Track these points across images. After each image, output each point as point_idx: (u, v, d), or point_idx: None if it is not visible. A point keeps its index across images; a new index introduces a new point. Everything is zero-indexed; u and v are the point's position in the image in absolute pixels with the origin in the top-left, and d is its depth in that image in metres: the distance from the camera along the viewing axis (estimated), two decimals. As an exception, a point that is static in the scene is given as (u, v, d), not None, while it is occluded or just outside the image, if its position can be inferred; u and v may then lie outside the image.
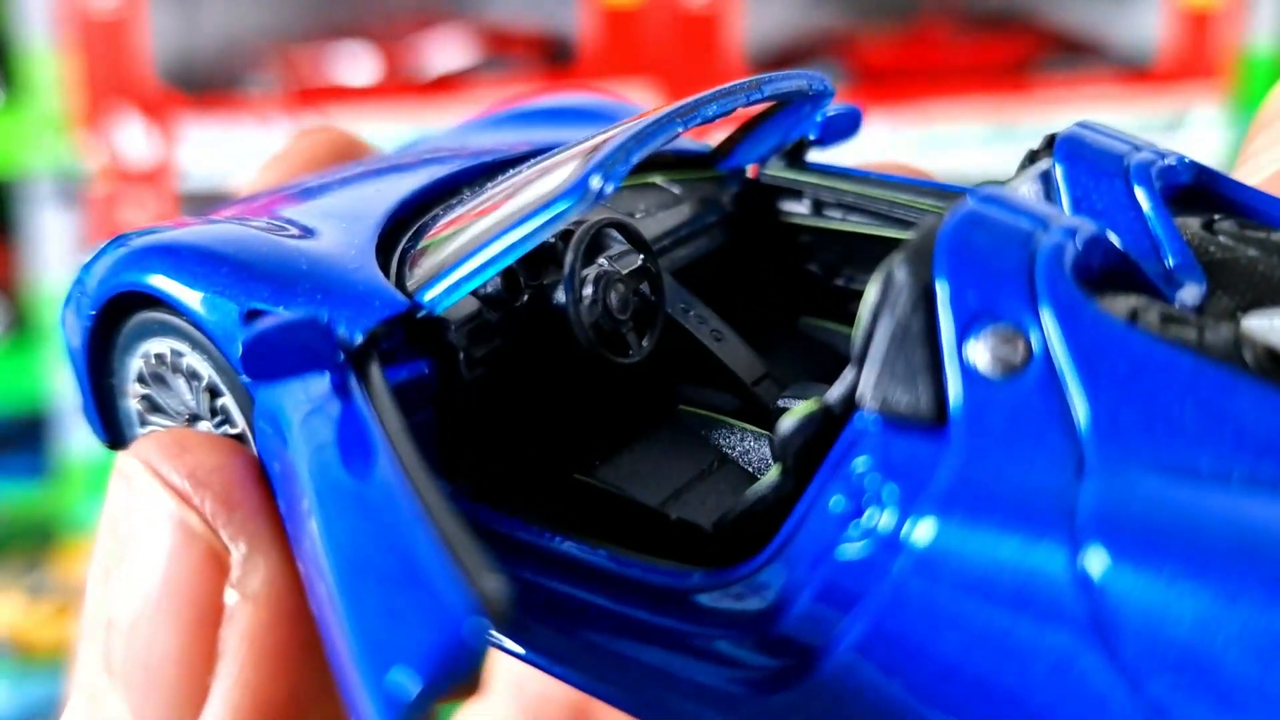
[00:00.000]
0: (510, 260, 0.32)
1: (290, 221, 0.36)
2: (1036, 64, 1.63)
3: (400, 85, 1.58)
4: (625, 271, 0.38)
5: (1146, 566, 0.21)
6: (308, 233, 0.35)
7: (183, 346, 0.33)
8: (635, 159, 0.31)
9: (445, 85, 1.57)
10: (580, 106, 0.46)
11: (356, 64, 1.61)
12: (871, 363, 0.25)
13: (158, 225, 0.35)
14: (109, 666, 0.24)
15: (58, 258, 1.56)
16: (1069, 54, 1.65)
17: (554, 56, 1.63)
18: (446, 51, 1.60)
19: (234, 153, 1.53)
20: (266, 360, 0.28)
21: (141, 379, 0.34)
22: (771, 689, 0.27)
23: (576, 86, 1.51)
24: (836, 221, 0.43)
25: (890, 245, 0.34)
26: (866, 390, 0.25)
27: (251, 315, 0.30)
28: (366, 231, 0.36)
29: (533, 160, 0.37)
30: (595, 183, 0.30)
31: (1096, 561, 0.21)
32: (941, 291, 0.24)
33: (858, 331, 0.26)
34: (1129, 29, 1.72)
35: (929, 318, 0.24)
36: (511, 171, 0.38)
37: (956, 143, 1.56)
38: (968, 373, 0.23)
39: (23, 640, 1.49)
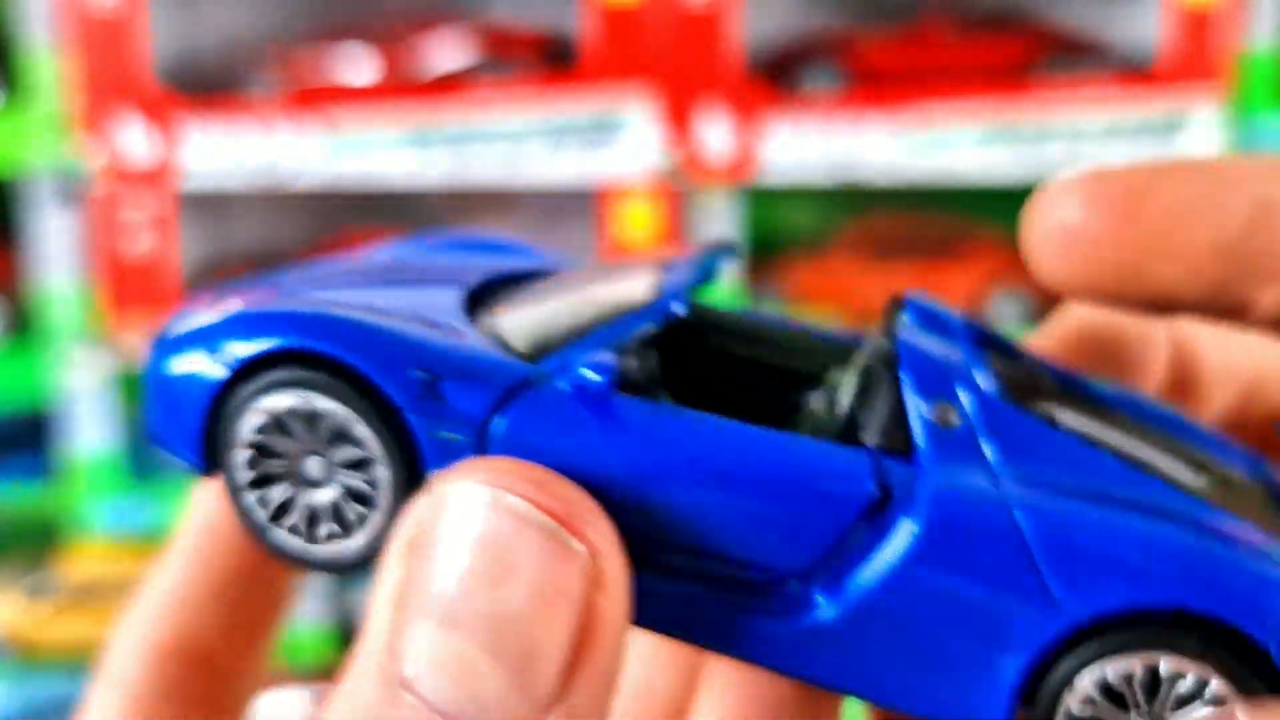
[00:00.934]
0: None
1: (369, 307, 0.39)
2: (1037, 65, 1.64)
3: (401, 87, 1.59)
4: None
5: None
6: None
7: (326, 401, 0.35)
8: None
9: (446, 86, 1.58)
10: (494, 244, 0.48)
11: (357, 65, 1.62)
12: (868, 421, 0.36)
13: (276, 300, 0.38)
14: (495, 650, 0.30)
15: (58, 258, 1.57)
16: (1069, 55, 1.66)
17: (555, 56, 1.64)
18: (447, 52, 1.61)
19: (236, 153, 1.54)
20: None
21: (262, 429, 0.36)
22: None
23: (577, 87, 1.52)
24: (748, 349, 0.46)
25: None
26: (868, 437, 0.36)
27: (421, 375, 0.34)
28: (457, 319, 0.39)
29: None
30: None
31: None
32: (906, 380, 0.35)
33: (841, 406, 0.38)
34: (1130, 29, 1.73)
35: (898, 396, 0.35)
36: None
37: (956, 144, 1.57)
38: (926, 425, 0.35)
39: (22, 640, 1.50)
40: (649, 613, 0.34)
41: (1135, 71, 1.61)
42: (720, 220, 1.57)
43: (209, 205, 1.82)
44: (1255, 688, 0.32)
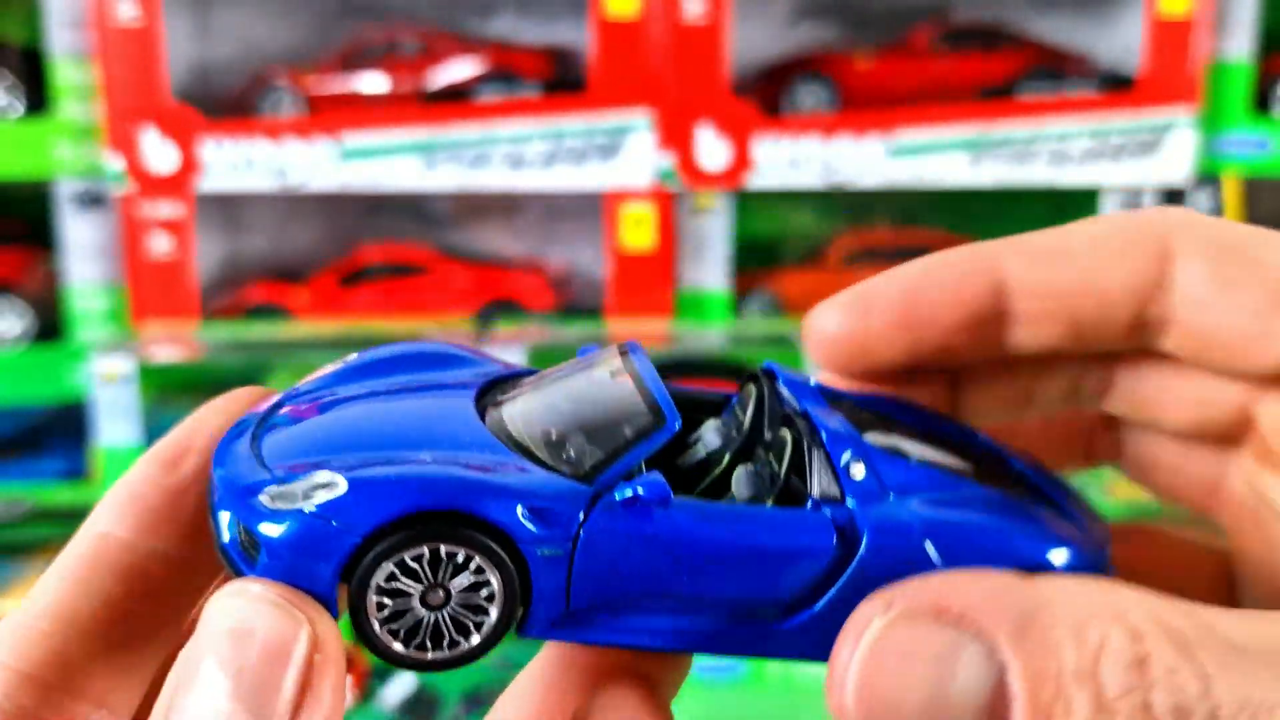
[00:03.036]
0: None
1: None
2: (1021, 79, 1.69)
3: (411, 101, 1.64)
4: None
5: None
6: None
7: (453, 547, 0.43)
8: None
9: (455, 101, 1.62)
10: (428, 353, 0.55)
11: (370, 80, 1.67)
12: (807, 478, 0.48)
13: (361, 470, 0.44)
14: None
15: (84, 260, 1.63)
16: (1053, 69, 1.71)
17: (560, 71, 1.68)
18: (454, 68, 1.66)
19: (251, 162, 1.59)
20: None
21: (392, 576, 0.43)
22: None
23: (585, 105, 1.57)
24: None
25: None
26: (813, 490, 0.48)
27: (533, 511, 0.44)
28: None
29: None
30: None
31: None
32: (831, 448, 0.48)
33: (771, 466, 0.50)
34: (1113, 42, 1.77)
35: (824, 456, 0.48)
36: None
37: (942, 156, 1.62)
38: (848, 481, 0.47)
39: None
40: (686, 640, 0.47)
41: (1118, 84, 1.65)
42: (715, 221, 1.62)
43: (225, 211, 1.88)
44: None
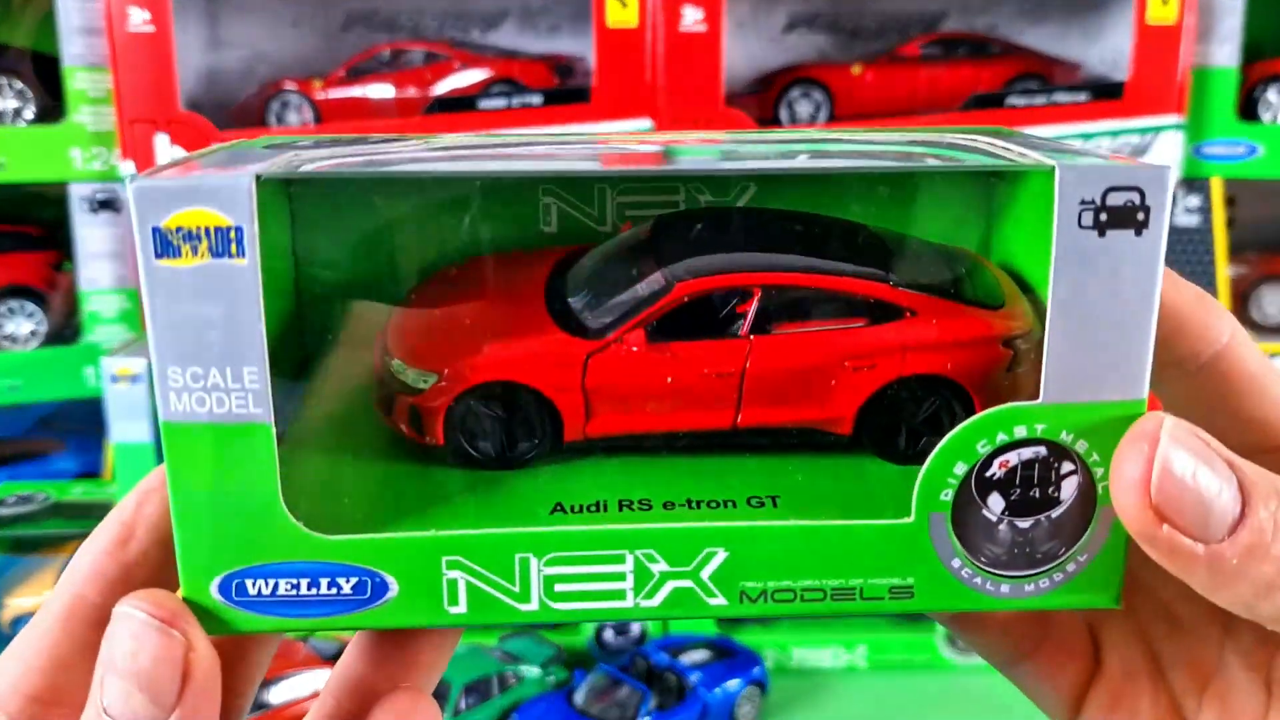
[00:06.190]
0: None
1: None
2: (1012, 87, 1.71)
3: (416, 113, 1.66)
4: None
5: None
6: None
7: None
8: None
9: (458, 111, 1.64)
10: None
11: (375, 91, 1.70)
12: None
13: None
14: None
15: (95, 263, 1.66)
16: (1042, 76, 1.74)
17: (562, 78, 1.71)
18: (458, 77, 1.69)
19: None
20: None
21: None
22: None
23: (585, 113, 1.59)
24: None
25: None
26: None
27: None
28: None
29: None
30: None
31: None
32: None
33: None
34: (1104, 50, 1.80)
35: None
36: None
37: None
38: None
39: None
40: None
41: (1108, 90, 1.66)
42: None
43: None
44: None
